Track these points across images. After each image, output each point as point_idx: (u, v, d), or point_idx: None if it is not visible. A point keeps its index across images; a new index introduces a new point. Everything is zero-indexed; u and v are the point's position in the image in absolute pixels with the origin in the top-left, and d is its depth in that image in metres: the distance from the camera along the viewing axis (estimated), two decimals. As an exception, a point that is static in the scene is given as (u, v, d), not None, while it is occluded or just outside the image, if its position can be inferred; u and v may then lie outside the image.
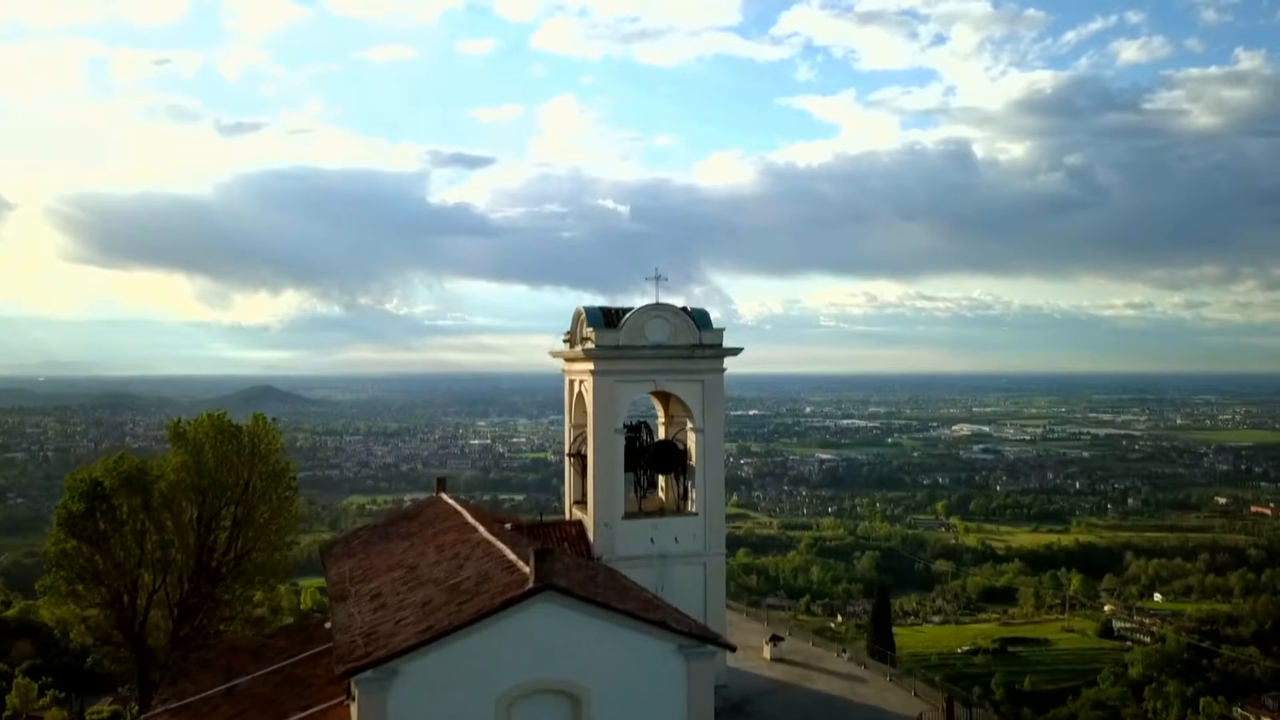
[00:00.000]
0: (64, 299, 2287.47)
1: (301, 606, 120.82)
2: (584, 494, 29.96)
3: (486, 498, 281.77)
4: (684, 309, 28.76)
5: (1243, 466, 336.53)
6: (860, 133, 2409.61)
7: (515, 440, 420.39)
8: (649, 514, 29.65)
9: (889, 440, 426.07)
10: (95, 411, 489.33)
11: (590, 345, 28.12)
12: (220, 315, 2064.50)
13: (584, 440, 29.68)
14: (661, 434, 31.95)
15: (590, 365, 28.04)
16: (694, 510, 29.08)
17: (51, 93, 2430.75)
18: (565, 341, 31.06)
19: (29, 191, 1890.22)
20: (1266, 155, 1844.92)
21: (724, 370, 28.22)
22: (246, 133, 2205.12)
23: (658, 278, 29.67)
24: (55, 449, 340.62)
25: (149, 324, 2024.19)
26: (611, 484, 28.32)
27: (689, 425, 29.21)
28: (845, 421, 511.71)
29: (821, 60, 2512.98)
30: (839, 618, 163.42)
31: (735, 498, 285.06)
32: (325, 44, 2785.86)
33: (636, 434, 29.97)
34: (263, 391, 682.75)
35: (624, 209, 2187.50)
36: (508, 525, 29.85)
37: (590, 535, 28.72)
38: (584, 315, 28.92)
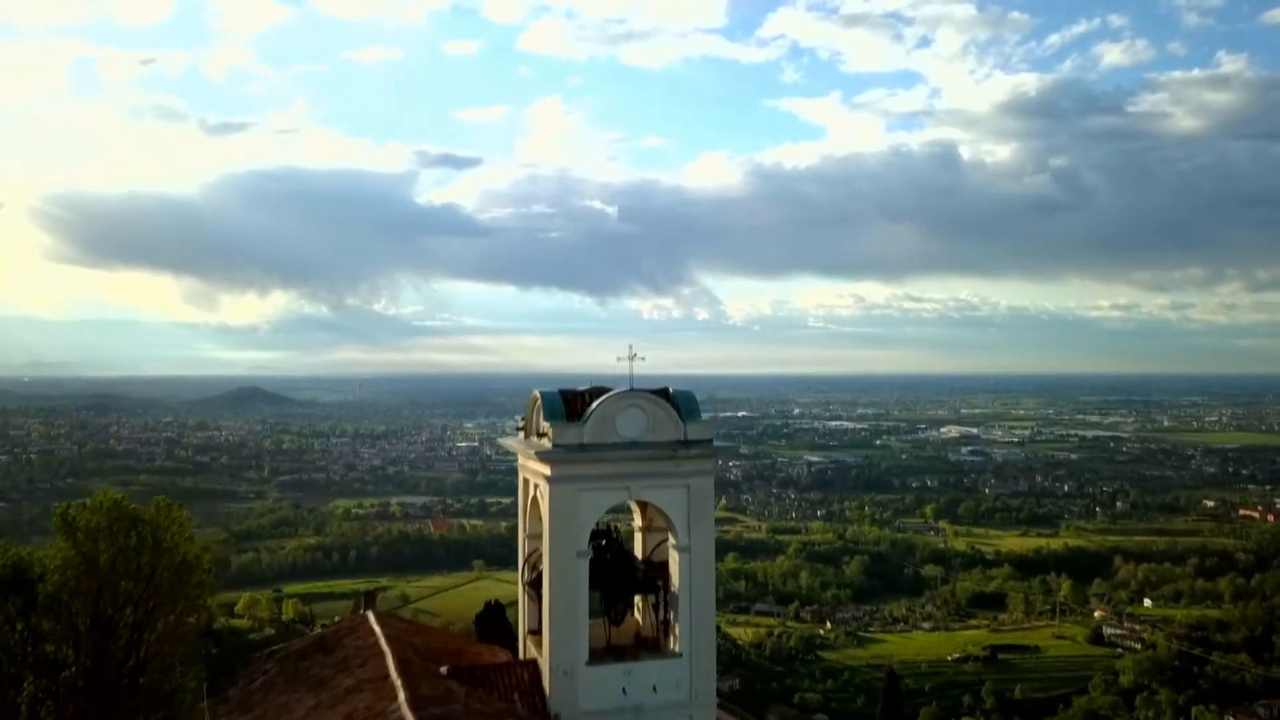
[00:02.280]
0: (50, 299, 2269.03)
1: (283, 617, 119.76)
2: (540, 623, 23.73)
3: (474, 500, 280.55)
4: (665, 392, 22.78)
5: (1230, 469, 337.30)
6: (847, 134, 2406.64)
7: (503, 442, 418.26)
8: (620, 652, 23.68)
9: (877, 442, 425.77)
10: (80, 413, 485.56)
11: (546, 444, 22.11)
12: (208, 316, 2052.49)
13: (541, 556, 23.68)
14: (639, 542, 26.04)
15: (546, 469, 21.87)
16: (677, 650, 22.91)
17: (37, 92, 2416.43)
18: (519, 430, 25.28)
19: (14, 191, 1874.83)
20: (1250, 158, 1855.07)
21: (714, 472, 22.90)
22: (233, 133, 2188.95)
23: (632, 357, 24.22)
24: (39, 451, 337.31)
25: (136, 324, 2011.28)
26: (572, 620, 22.04)
27: (671, 541, 23.22)
28: (834, 423, 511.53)
29: (807, 62, 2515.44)
30: (828, 624, 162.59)
31: (724, 501, 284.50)
32: (311, 44, 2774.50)
33: (603, 545, 24.33)
34: (250, 393, 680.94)
35: (612, 210, 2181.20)
36: (444, 669, 23.76)
37: (546, 682, 22.71)
38: (540, 402, 22.97)
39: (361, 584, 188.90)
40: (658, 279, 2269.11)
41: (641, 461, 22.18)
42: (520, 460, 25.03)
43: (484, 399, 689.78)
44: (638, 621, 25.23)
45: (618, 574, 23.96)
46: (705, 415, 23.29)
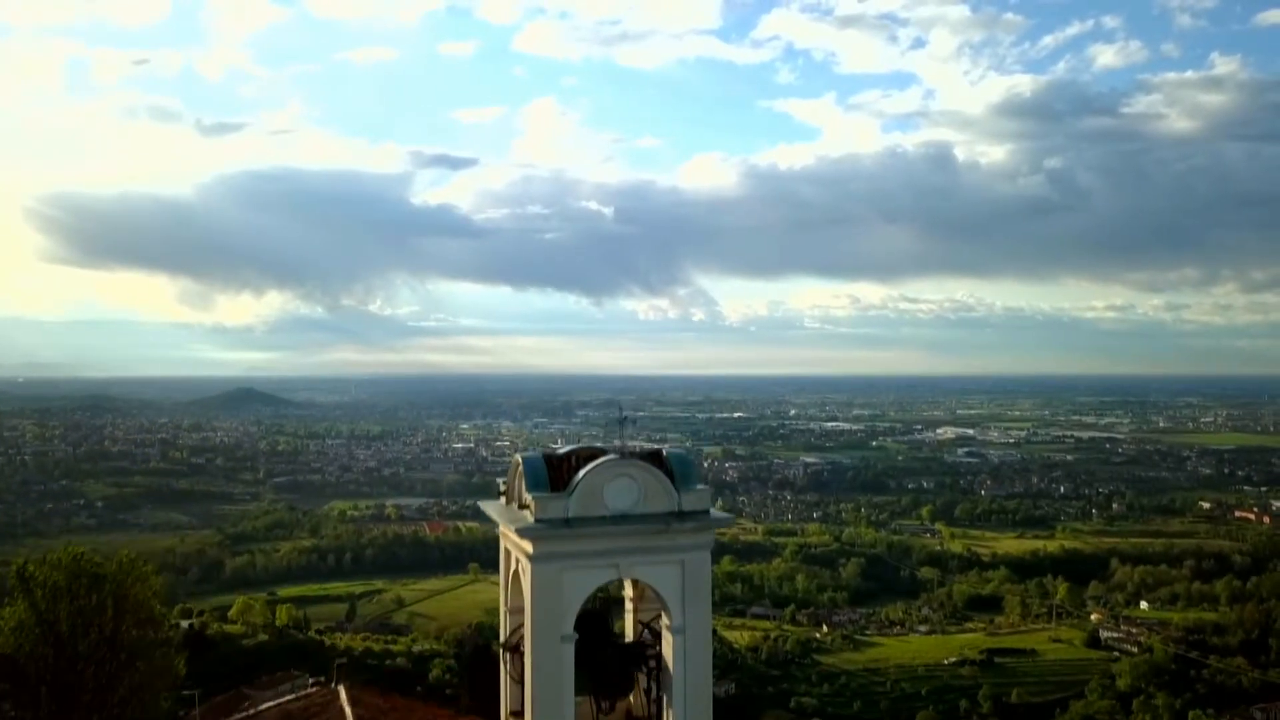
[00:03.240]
0: (44, 299, 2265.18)
1: (277, 623, 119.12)
2: (522, 704, 21.81)
3: (470, 502, 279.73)
4: (658, 455, 20.88)
5: (1225, 470, 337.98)
6: (841, 135, 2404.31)
7: (499, 444, 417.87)
8: None
9: (874, 444, 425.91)
10: (75, 414, 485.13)
11: (528, 517, 20.27)
12: (203, 316, 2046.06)
13: (523, 633, 21.58)
14: (630, 616, 23.88)
15: (528, 546, 20.04)
16: None
17: (30, 92, 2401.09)
18: (500, 495, 23.11)
19: (8, 191, 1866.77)
20: (1243, 159, 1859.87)
21: (710, 546, 21.15)
22: (228, 133, 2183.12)
23: (623, 419, 22.72)
24: (33, 453, 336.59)
25: (130, 325, 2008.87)
26: (557, 709, 20.49)
27: (664, 621, 21.48)
28: (830, 424, 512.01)
29: (802, 63, 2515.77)
30: (824, 627, 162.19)
31: (720, 503, 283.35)
32: (306, 45, 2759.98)
33: (592, 623, 22.26)
34: (245, 393, 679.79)
35: (608, 210, 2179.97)
36: None
37: None
38: (521, 468, 20.94)
39: (357, 586, 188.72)
40: (653, 280, 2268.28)
41: (632, 537, 20.46)
42: (501, 528, 22.78)
43: (480, 400, 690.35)
44: (629, 701, 23.18)
45: (607, 655, 22.15)
46: (702, 484, 20.46)
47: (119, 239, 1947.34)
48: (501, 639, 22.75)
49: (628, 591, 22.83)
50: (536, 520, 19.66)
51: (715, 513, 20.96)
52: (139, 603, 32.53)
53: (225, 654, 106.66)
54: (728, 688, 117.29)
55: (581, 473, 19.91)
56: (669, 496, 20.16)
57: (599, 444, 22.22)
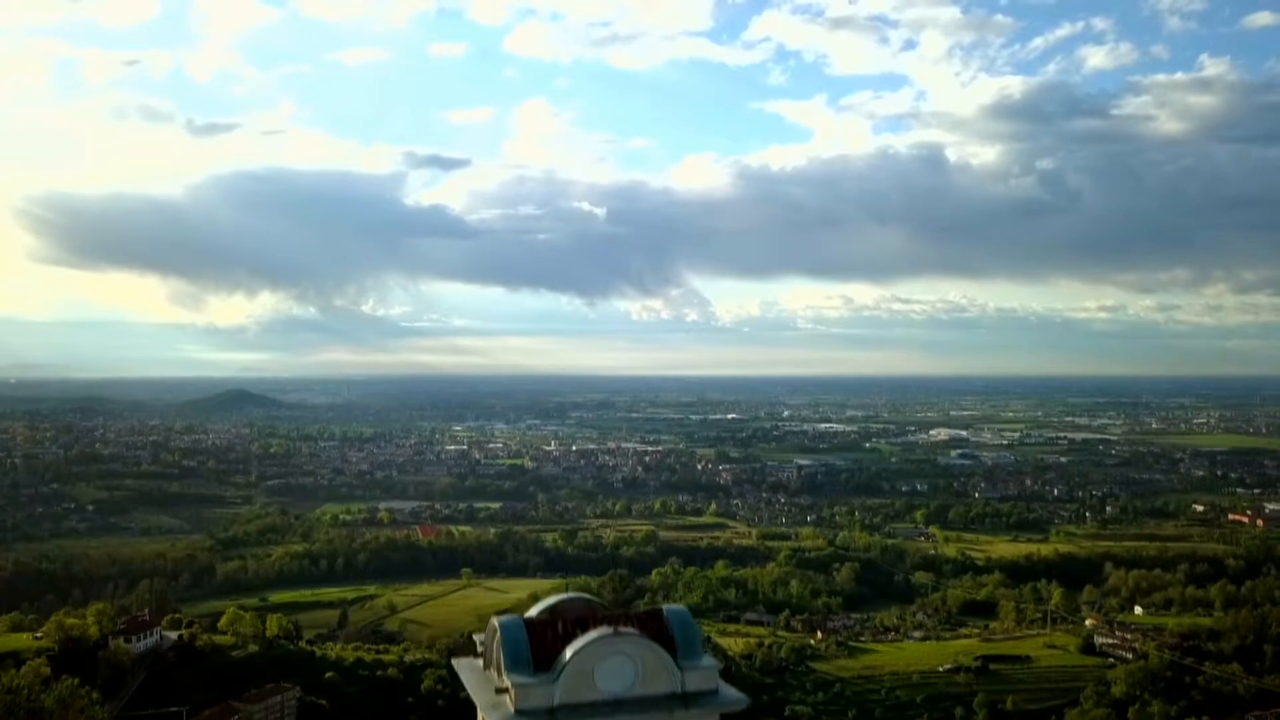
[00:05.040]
0: (35, 300, 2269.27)
1: (268, 633, 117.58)
2: None
3: (463, 506, 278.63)
4: (657, 617, 18.03)
5: (1218, 472, 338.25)
6: (833, 136, 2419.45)
7: (492, 446, 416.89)
8: None
9: (867, 445, 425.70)
10: (66, 416, 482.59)
11: (507, 704, 17.06)
12: (195, 317, 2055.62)
13: None
14: None
15: None
16: None
17: (20, 93, 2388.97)
18: (478, 657, 19.47)
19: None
20: (1233, 161, 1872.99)
21: None
22: (219, 134, 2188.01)
23: (617, 588, 18.51)
24: (24, 455, 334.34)
25: (122, 325, 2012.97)
26: None
27: None
28: (823, 425, 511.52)
29: (794, 65, 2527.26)
30: (819, 634, 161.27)
31: (714, 506, 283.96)
32: (297, 45, 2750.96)
33: None
34: (237, 395, 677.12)
35: (600, 211, 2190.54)
36: None
37: None
38: (499, 637, 17.64)
39: (349, 592, 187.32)
40: (646, 280, 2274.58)
41: None
42: (479, 709, 18.98)
43: (473, 400, 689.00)
44: None
45: None
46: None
47: (110, 240, 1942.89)
48: None
49: None
50: (517, 711, 16.85)
51: (725, 690, 17.78)
52: None
53: (215, 665, 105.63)
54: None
55: (569, 652, 17.18)
56: (670, 676, 17.42)
57: (588, 596, 18.97)
